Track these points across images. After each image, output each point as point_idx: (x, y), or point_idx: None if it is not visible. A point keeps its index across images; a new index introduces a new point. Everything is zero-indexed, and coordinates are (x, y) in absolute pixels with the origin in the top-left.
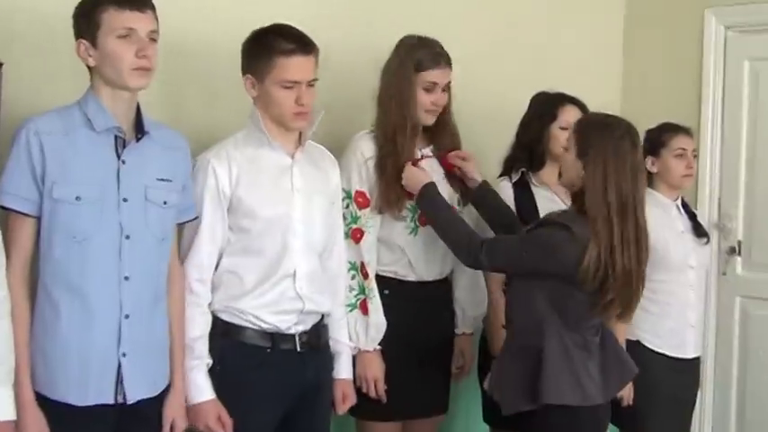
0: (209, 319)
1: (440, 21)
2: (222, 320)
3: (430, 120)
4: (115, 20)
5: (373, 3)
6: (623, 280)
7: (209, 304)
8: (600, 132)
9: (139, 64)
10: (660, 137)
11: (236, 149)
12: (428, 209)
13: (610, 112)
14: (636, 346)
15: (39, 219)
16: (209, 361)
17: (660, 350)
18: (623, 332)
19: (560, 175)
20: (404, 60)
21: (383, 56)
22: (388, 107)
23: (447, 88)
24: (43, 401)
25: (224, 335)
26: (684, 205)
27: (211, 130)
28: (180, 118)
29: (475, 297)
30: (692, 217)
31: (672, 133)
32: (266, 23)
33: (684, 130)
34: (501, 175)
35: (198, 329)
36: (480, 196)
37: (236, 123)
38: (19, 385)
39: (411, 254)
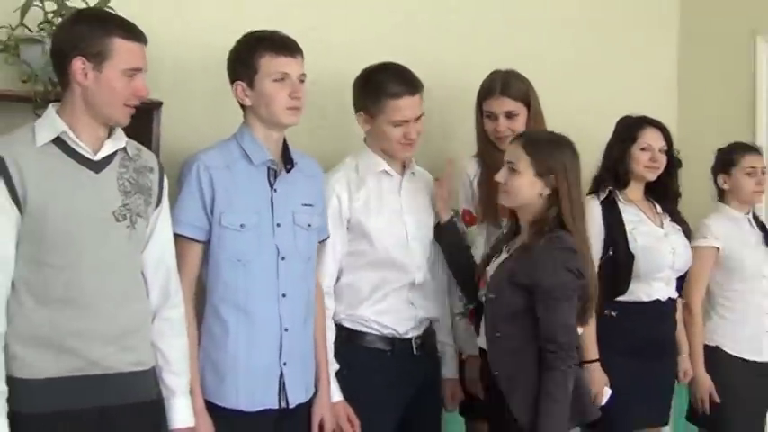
0: (334, 327)
1: (512, 52)
2: (345, 327)
3: (501, 144)
4: (272, 65)
5: (454, 42)
6: (593, 282)
7: (333, 314)
8: (560, 149)
9: (292, 104)
10: (731, 156)
11: (355, 174)
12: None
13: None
14: (715, 352)
15: (204, 244)
16: (337, 366)
17: (739, 354)
18: (701, 336)
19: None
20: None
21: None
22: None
23: (509, 116)
24: (212, 408)
25: (348, 341)
26: (755, 218)
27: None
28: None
29: None
30: (763, 228)
31: (742, 152)
32: (373, 59)
33: (754, 150)
34: (589, 193)
35: (330, 336)
36: (442, 232)
37: (339, 150)
38: (191, 394)
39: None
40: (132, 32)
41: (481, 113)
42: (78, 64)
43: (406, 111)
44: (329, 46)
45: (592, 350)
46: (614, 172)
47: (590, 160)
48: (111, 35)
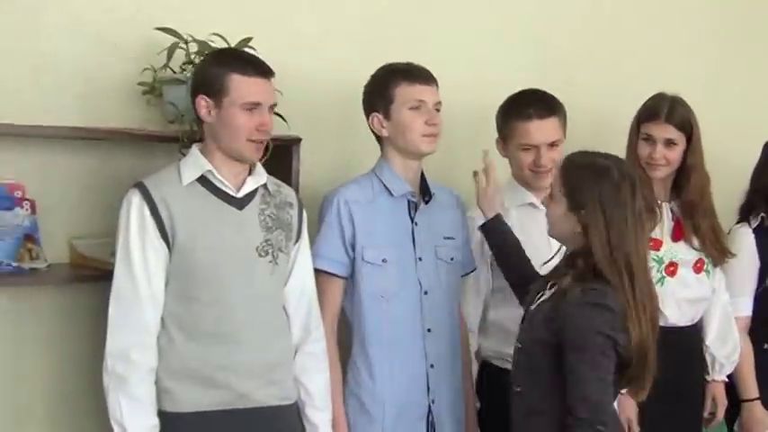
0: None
1: (642, 67)
2: (492, 365)
3: (652, 172)
4: (407, 93)
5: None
6: (637, 352)
7: (477, 350)
8: (595, 179)
9: (429, 131)
10: None
11: (502, 207)
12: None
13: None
14: None
15: (346, 279)
16: (478, 403)
17: None
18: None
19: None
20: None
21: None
22: None
23: (668, 143)
24: None
25: (495, 379)
26: None
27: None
28: (448, 169)
29: (726, 344)
30: None
31: None
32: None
33: None
34: (739, 222)
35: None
36: (489, 231)
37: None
38: (337, 430)
39: (661, 302)
40: (251, 67)
41: (637, 135)
42: (202, 102)
43: (535, 134)
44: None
45: (751, 387)
46: (764, 197)
47: (731, 186)
48: (228, 72)
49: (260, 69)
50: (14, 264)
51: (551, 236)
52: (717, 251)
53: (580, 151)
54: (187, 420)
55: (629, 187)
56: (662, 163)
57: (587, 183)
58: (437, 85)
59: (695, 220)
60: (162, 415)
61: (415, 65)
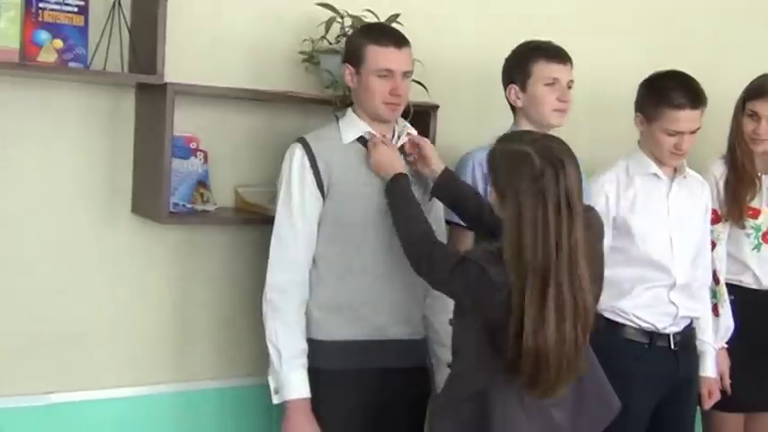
0: None
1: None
2: (606, 318)
3: (756, 147)
4: (544, 70)
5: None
6: (534, 353)
7: None
8: (512, 167)
9: (560, 106)
10: None
11: (625, 175)
12: (394, 199)
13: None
14: None
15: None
16: None
17: None
18: None
19: None
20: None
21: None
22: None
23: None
24: None
25: (607, 331)
26: None
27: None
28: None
29: None
30: None
31: None
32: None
33: None
34: None
35: None
36: (440, 186)
37: (618, 151)
38: None
39: (756, 268)
40: (385, 38)
41: (743, 112)
42: (347, 70)
43: (683, 123)
44: None
45: None
46: None
47: None
48: (365, 43)
49: (393, 40)
50: (189, 205)
51: None
52: None
53: (511, 133)
54: (331, 347)
55: (553, 176)
56: (765, 138)
57: (504, 171)
58: (572, 65)
59: None
60: (310, 342)
61: (553, 44)
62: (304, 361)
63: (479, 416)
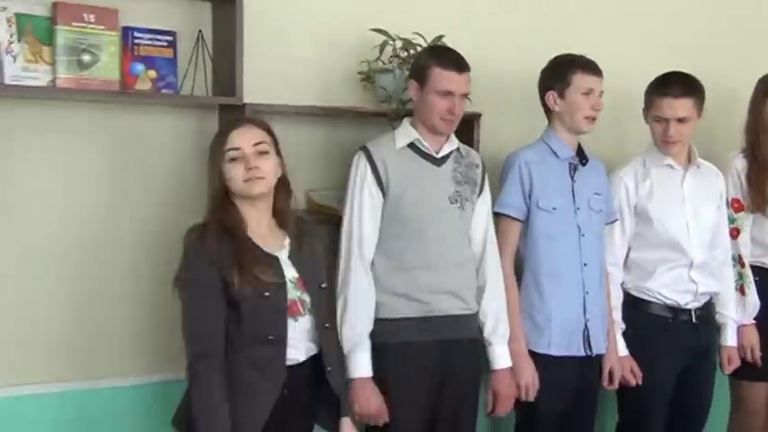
0: (622, 294)
1: None
2: (633, 296)
3: None
4: (583, 81)
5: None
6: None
7: (622, 283)
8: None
9: (592, 114)
10: None
11: (642, 167)
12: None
13: None
14: None
15: (522, 223)
16: (623, 326)
17: None
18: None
19: None
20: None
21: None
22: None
23: None
24: (530, 354)
25: (634, 307)
26: None
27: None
28: (594, 142)
29: None
30: None
31: None
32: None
33: None
34: None
35: (615, 301)
36: None
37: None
38: (516, 341)
39: None
40: (449, 63)
41: (763, 103)
42: (412, 86)
43: (668, 110)
44: None
45: None
46: None
47: None
48: (432, 64)
49: (456, 65)
50: None
51: None
52: None
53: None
54: (394, 324)
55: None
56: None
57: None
58: (602, 77)
59: None
60: (376, 321)
61: (589, 59)
62: (366, 339)
63: None
